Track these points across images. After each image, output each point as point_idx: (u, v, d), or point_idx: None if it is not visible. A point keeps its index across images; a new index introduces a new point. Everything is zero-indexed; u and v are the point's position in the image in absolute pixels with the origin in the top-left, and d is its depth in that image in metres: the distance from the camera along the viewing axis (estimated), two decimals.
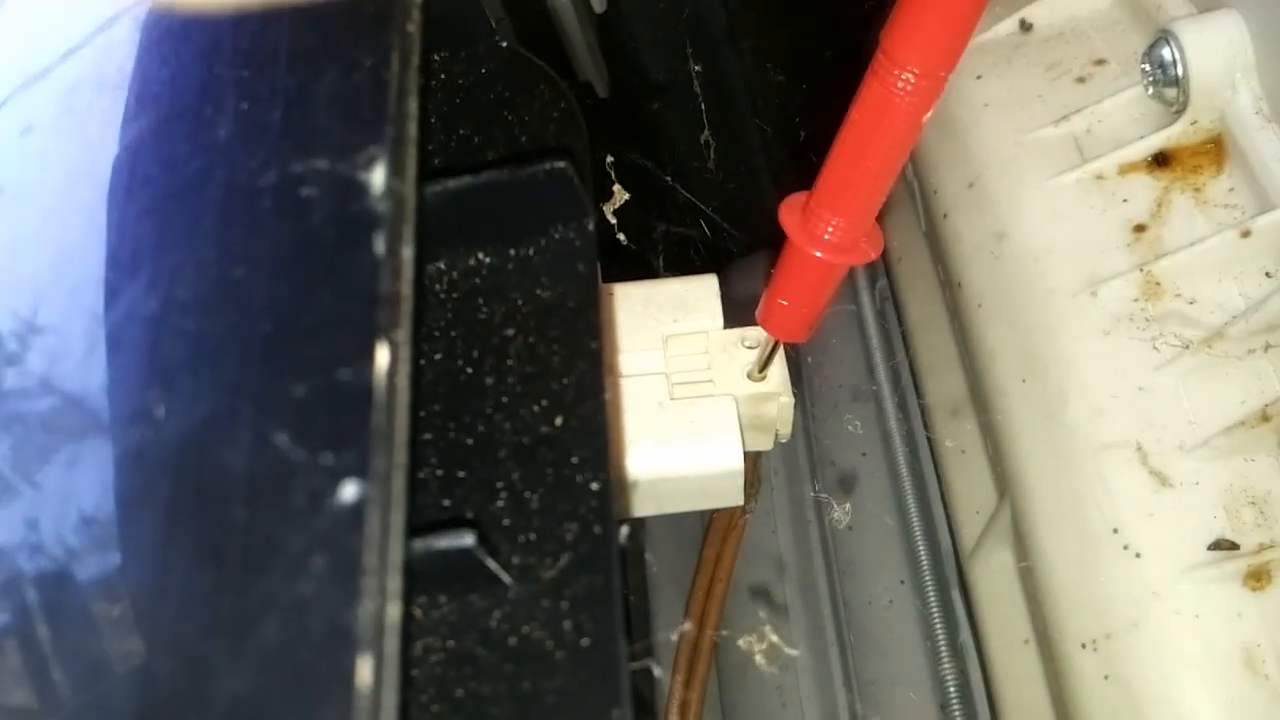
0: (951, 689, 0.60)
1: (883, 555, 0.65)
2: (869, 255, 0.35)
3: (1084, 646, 0.46)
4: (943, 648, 0.61)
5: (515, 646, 0.26)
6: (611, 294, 0.44)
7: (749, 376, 0.42)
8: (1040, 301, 0.51)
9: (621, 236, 0.42)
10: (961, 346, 0.58)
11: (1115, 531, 0.45)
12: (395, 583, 0.22)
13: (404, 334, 0.23)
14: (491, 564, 0.26)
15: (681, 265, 0.48)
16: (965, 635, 0.60)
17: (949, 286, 0.58)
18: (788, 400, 0.42)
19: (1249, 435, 0.44)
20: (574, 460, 0.29)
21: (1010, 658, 0.54)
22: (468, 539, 0.26)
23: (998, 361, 0.53)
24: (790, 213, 0.35)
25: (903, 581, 0.64)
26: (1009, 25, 0.62)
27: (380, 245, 0.24)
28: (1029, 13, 0.62)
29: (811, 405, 0.71)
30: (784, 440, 0.45)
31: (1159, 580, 0.44)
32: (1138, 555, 0.44)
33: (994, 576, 0.56)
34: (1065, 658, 0.47)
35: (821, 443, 0.70)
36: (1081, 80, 0.58)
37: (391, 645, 0.21)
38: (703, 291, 0.43)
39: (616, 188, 0.40)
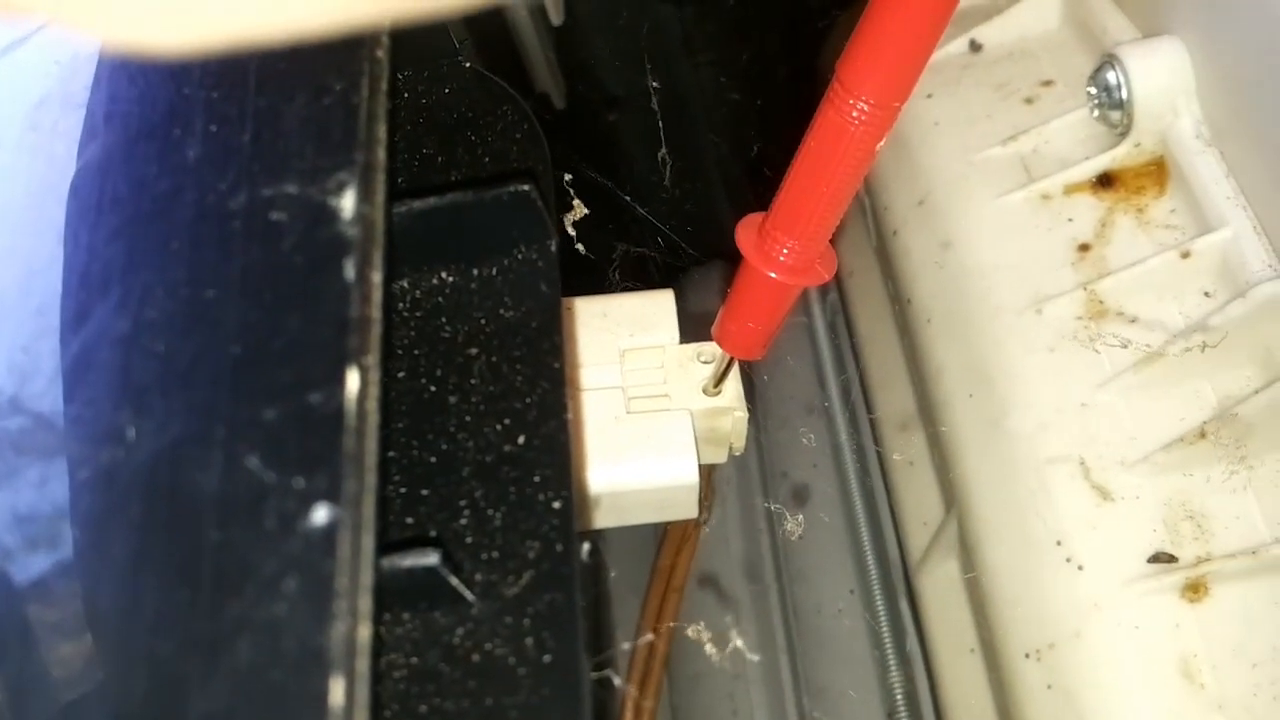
0: (899, 696, 0.61)
1: (833, 565, 0.66)
2: (823, 277, 0.36)
3: (1028, 656, 0.47)
4: (890, 656, 0.62)
5: (478, 663, 0.27)
6: (571, 308, 0.45)
7: (704, 391, 0.43)
8: (987, 318, 0.52)
9: (581, 247, 0.43)
10: (910, 361, 0.59)
11: (1058, 544, 0.47)
12: (366, 603, 0.22)
13: (374, 358, 0.24)
14: (455, 582, 0.27)
15: (637, 278, 0.49)
16: (913, 644, 0.61)
17: (899, 302, 0.60)
18: (742, 415, 0.43)
19: (1188, 451, 0.46)
20: (536, 479, 0.30)
21: (957, 666, 0.56)
22: (432, 557, 0.26)
23: (945, 376, 0.54)
24: (746, 234, 0.36)
25: (852, 591, 0.65)
26: (959, 45, 0.63)
27: (350, 270, 0.24)
28: (979, 33, 0.63)
29: (764, 418, 0.72)
30: (738, 453, 0.46)
31: (1100, 592, 0.45)
32: (1080, 567, 0.46)
33: (941, 587, 0.57)
34: (1010, 667, 0.48)
35: (774, 455, 0.71)
36: (1029, 101, 0.59)
37: (363, 665, 0.21)
38: (659, 306, 0.44)
39: (576, 202, 0.40)
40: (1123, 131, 0.54)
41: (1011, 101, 0.60)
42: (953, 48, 0.64)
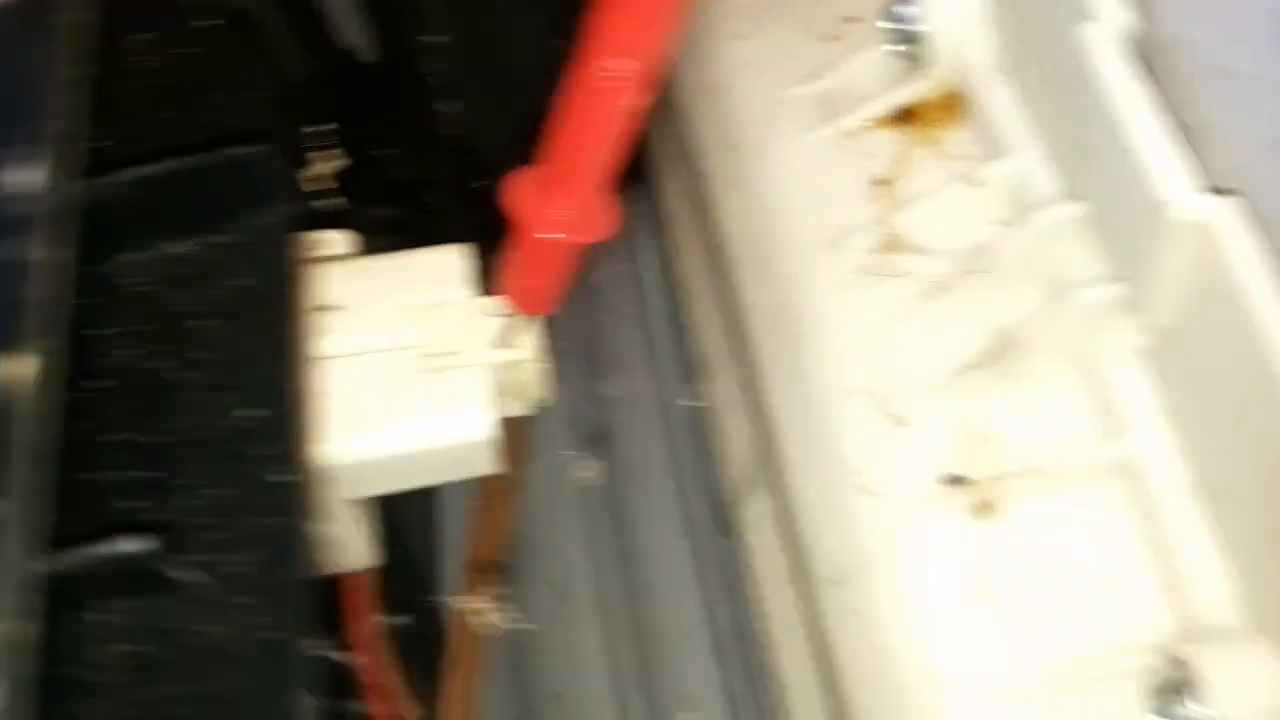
0: (726, 631, 0.63)
1: (657, 507, 0.67)
2: (594, 234, 0.37)
3: (832, 583, 0.49)
4: (716, 592, 0.64)
5: (200, 646, 0.27)
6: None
7: (498, 344, 0.43)
8: (790, 255, 0.53)
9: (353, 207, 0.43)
10: (726, 302, 0.60)
11: (856, 472, 0.48)
12: (30, 601, 0.22)
13: (59, 341, 0.23)
14: (173, 567, 0.27)
15: (427, 237, 0.48)
16: (738, 580, 0.63)
17: (714, 244, 0.60)
18: (538, 365, 0.43)
19: (977, 376, 0.47)
20: (267, 455, 0.30)
21: (777, 598, 0.57)
22: (144, 543, 0.26)
23: (754, 315, 0.55)
24: (514, 192, 0.36)
25: (677, 531, 0.66)
26: None
27: (33, 249, 0.24)
28: None
29: (588, 364, 0.73)
30: (544, 405, 0.46)
31: (895, 516, 0.47)
32: (876, 494, 0.47)
33: (759, 522, 0.58)
34: (818, 594, 0.50)
35: (596, 401, 0.72)
36: (834, 38, 0.60)
37: (25, 665, 0.21)
38: (452, 262, 0.44)
39: (332, 154, 0.40)
40: (920, 66, 0.55)
41: (817, 39, 0.60)
42: None
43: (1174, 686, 0.40)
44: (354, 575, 0.51)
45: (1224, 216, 0.36)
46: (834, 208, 0.53)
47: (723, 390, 0.63)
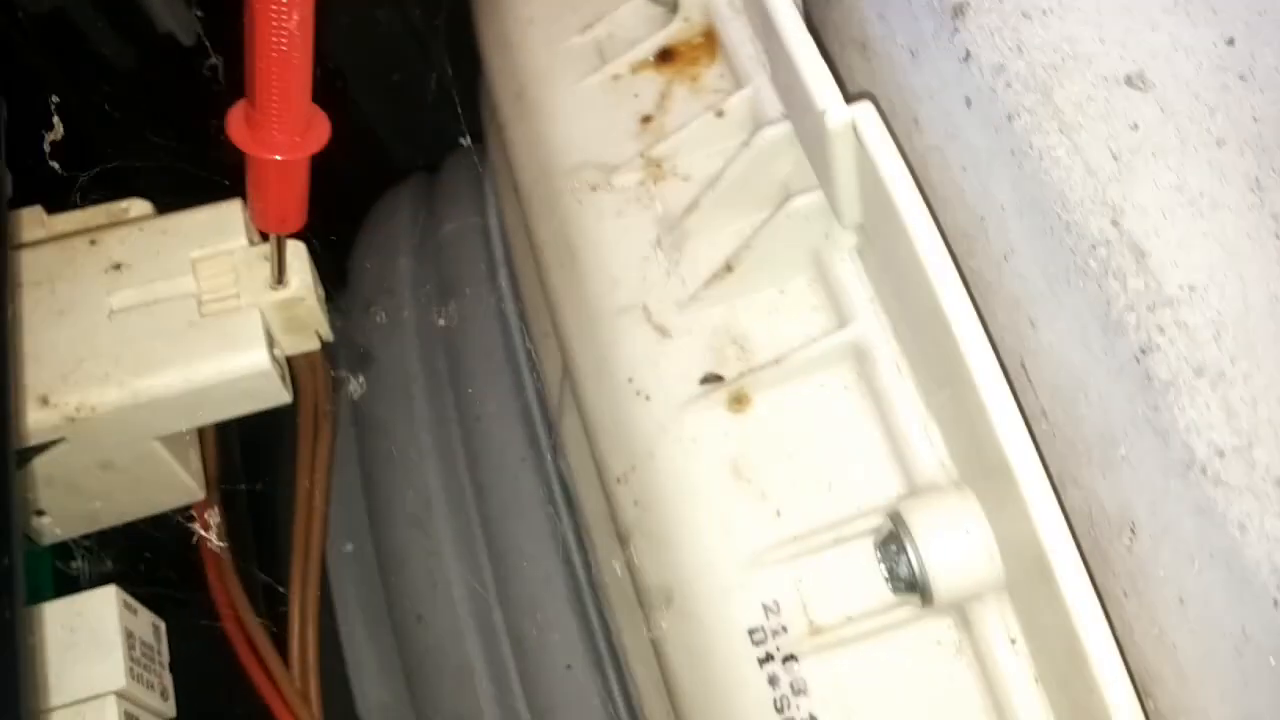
0: (570, 539, 0.68)
1: (507, 437, 0.72)
2: (308, 148, 0.41)
3: (619, 480, 0.54)
4: (560, 504, 0.69)
5: None
6: (146, 228, 0.49)
7: (274, 286, 0.48)
8: (570, 193, 0.58)
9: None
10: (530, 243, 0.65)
11: (630, 381, 0.53)
12: None
13: None
14: None
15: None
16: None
17: (516, 190, 0.65)
18: (313, 302, 0.48)
19: (721, 285, 0.52)
20: None
21: (592, 501, 0.63)
22: None
23: (545, 251, 0.60)
24: (233, 119, 0.41)
25: (524, 458, 0.71)
26: None
27: None
28: None
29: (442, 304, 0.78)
30: (328, 339, 0.51)
31: (664, 416, 0.52)
32: (647, 398, 0.52)
33: (574, 436, 0.64)
34: (610, 492, 0.55)
35: (456, 346, 0.77)
36: None
37: None
38: (227, 214, 0.49)
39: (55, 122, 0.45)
40: (673, 8, 0.60)
41: None
42: None
43: (893, 537, 0.46)
44: (195, 509, 0.56)
45: (864, 116, 0.41)
46: (605, 147, 0.58)
47: (538, 324, 0.68)
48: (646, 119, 0.59)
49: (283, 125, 0.40)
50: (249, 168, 0.43)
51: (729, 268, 0.52)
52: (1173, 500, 0.32)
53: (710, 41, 0.60)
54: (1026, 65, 0.37)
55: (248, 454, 0.65)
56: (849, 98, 0.43)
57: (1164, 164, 0.34)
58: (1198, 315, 0.32)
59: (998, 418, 0.40)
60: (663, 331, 0.54)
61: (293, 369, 0.52)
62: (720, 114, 0.56)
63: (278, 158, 0.41)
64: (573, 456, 0.65)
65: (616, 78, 0.61)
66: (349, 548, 0.76)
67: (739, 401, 0.52)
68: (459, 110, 0.80)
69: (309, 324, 0.49)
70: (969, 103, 0.38)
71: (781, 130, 0.50)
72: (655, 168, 0.57)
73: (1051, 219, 0.35)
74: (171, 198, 0.54)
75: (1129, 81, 0.35)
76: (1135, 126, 0.35)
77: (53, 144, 0.55)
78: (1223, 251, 0.32)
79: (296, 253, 0.49)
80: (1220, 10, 0.36)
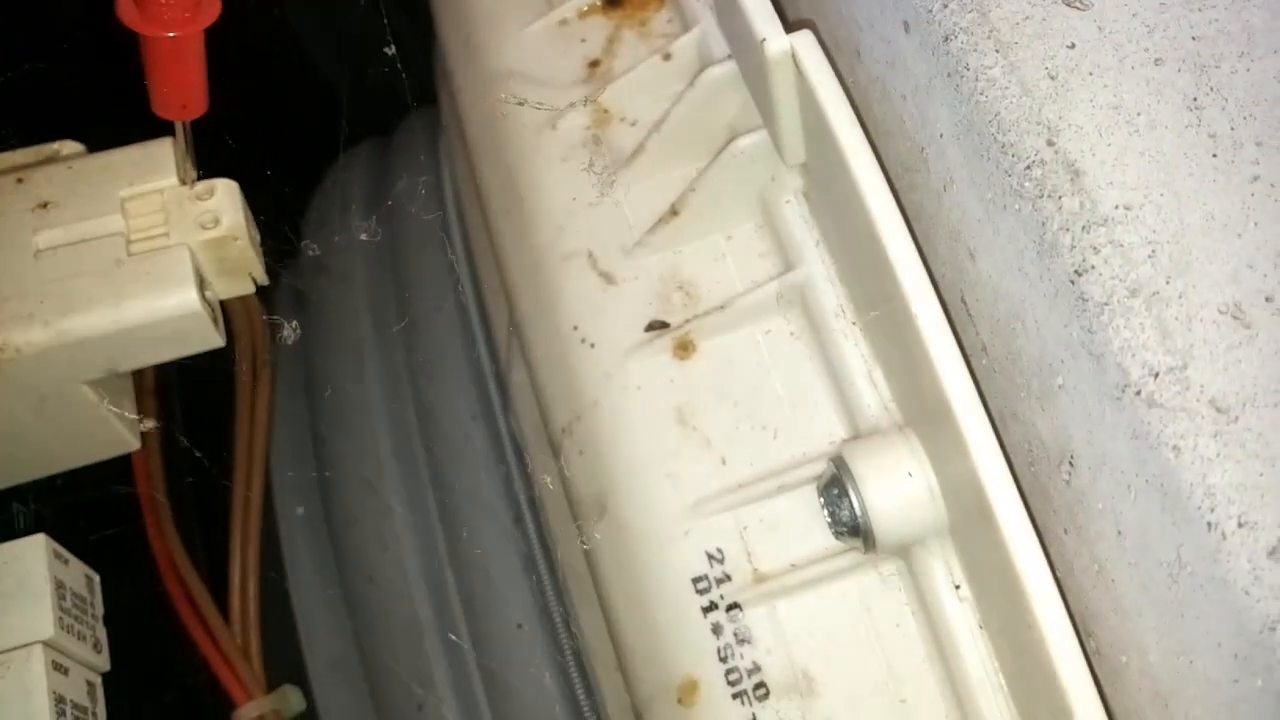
0: (522, 498, 0.67)
1: (457, 397, 0.71)
2: (203, 20, 0.40)
3: (564, 431, 0.53)
4: (512, 467, 0.68)
5: None
6: (77, 167, 0.47)
7: (204, 225, 0.46)
8: (514, 138, 0.57)
9: None
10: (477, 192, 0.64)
11: (575, 328, 0.52)
12: None
13: None
14: None
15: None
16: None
17: (463, 139, 0.64)
18: (245, 243, 0.47)
19: (667, 230, 0.51)
20: None
21: (540, 458, 0.62)
22: None
23: (490, 197, 0.59)
24: (125, 2, 0.39)
25: (474, 417, 0.70)
26: None
27: None
28: None
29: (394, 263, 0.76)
30: (262, 282, 0.49)
31: (609, 363, 0.51)
32: (592, 346, 0.51)
33: (523, 390, 0.62)
34: (555, 444, 0.54)
35: (407, 305, 0.75)
36: None
37: None
38: (158, 153, 0.47)
39: None
40: None
41: None
42: None
43: (835, 482, 0.45)
44: (134, 459, 0.55)
45: (803, 45, 0.40)
46: (552, 90, 0.57)
47: (488, 280, 0.67)
48: (594, 63, 0.58)
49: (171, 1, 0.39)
50: (144, 51, 0.41)
51: (674, 212, 0.51)
52: (1109, 426, 0.31)
53: None
54: None
55: (190, 404, 0.64)
56: (791, 28, 0.42)
57: (1101, 83, 0.33)
58: (1133, 235, 0.31)
59: (937, 356, 0.39)
60: (608, 278, 0.52)
61: (228, 315, 0.51)
62: (667, 57, 0.55)
63: (171, 35, 0.40)
64: (523, 413, 0.64)
65: (564, 22, 0.59)
66: (300, 511, 0.75)
67: (684, 348, 0.51)
68: (401, 73, 0.78)
69: (242, 266, 0.48)
70: (907, 27, 0.37)
71: (726, 69, 0.49)
72: (602, 112, 0.56)
73: (988, 141, 0.34)
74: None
75: (1066, 0, 0.34)
76: (1072, 45, 0.34)
77: None
78: (1159, 170, 0.31)
79: (228, 191, 0.48)
80: None
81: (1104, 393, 0.31)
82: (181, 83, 0.42)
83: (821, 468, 0.47)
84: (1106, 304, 0.31)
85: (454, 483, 0.70)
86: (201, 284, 0.46)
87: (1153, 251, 0.31)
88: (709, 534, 0.47)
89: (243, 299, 0.50)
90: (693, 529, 0.48)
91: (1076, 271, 0.31)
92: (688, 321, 0.51)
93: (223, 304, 0.49)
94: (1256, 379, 0.29)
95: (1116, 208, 0.31)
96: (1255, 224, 0.30)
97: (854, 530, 0.44)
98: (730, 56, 0.50)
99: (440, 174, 0.81)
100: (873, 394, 0.47)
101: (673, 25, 0.57)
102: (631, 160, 0.53)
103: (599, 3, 0.59)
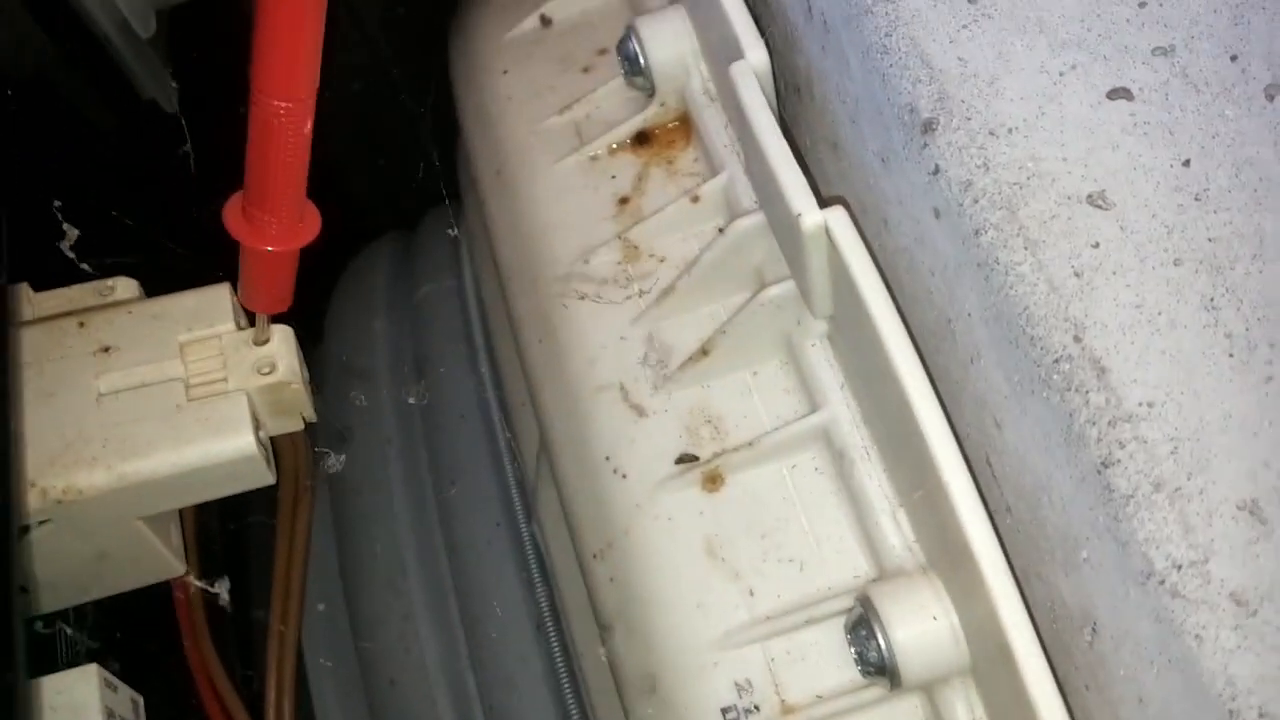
0: (545, 609, 0.69)
1: (481, 504, 0.73)
2: (304, 239, 0.42)
3: (594, 556, 0.55)
4: (535, 574, 0.70)
5: None
6: (136, 311, 0.49)
7: (261, 371, 0.48)
8: (546, 272, 0.59)
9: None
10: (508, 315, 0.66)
11: (607, 459, 0.54)
12: None
13: None
14: None
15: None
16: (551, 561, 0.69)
17: (496, 264, 0.66)
18: (299, 386, 0.49)
19: (697, 367, 0.54)
20: None
21: (569, 575, 0.63)
22: None
23: (523, 327, 0.61)
24: (230, 211, 0.42)
25: (499, 524, 0.72)
26: (532, 22, 0.70)
27: None
28: (549, 9, 0.70)
29: (419, 369, 0.78)
30: (311, 420, 0.51)
31: (640, 494, 0.53)
32: (624, 476, 0.53)
33: (550, 507, 0.64)
34: (586, 568, 0.56)
35: (432, 409, 0.77)
36: (586, 70, 0.66)
37: None
38: (215, 299, 0.49)
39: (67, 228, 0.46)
40: (650, 93, 0.61)
41: (572, 72, 0.66)
42: (526, 24, 0.70)
43: (863, 622, 0.47)
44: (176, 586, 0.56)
45: (837, 222, 0.42)
46: (583, 227, 0.60)
47: (515, 393, 0.69)
48: (624, 200, 0.60)
49: (279, 220, 0.41)
50: (242, 254, 0.44)
51: (704, 351, 0.54)
52: (1132, 606, 0.34)
53: (685, 126, 0.61)
54: (993, 182, 0.38)
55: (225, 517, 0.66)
56: (820, 193, 0.45)
57: (1124, 282, 0.35)
58: (1156, 431, 0.33)
59: (963, 510, 0.41)
60: (639, 411, 0.55)
61: (275, 445, 0.53)
62: (696, 199, 0.57)
63: (272, 249, 0.42)
64: (549, 528, 0.65)
65: (594, 158, 0.62)
66: (321, 608, 0.76)
67: (713, 481, 0.53)
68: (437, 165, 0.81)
69: (294, 407, 0.50)
70: (937, 214, 0.40)
71: (755, 221, 0.51)
72: (632, 249, 0.58)
73: (1016, 331, 0.37)
74: (156, 271, 0.55)
75: (1091, 200, 0.37)
76: (1097, 244, 0.36)
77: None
78: (1179, 369, 0.34)
79: (285, 338, 0.50)
80: (1177, 132, 0.38)
81: (1128, 576, 0.33)
82: (273, 285, 0.44)
83: (847, 602, 0.49)
84: (1132, 496, 0.33)
85: (476, 588, 0.72)
86: (257, 427, 0.48)
87: (1175, 448, 0.33)
88: (738, 665, 0.49)
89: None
90: (722, 660, 0.49)
91: (1103, 463, 0.33)
92: (716, 456, 0.53)
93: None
94: (1274, 574, 0.31)
95: (1140, 405, 0.33)
96: (1270, 423, 0.33)
97: (880, 669, 0.46)
98: (758, 207, 0.52)
99: (462, 279, 0.84)
100: (897, 534, 0.49)
101: (699, 165, 0.60)
102: (662, 299, 0.55)
103: (628, 141, 0.62)
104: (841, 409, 0.50)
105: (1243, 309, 0.34)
